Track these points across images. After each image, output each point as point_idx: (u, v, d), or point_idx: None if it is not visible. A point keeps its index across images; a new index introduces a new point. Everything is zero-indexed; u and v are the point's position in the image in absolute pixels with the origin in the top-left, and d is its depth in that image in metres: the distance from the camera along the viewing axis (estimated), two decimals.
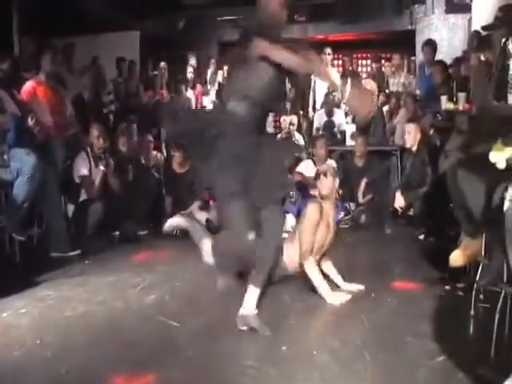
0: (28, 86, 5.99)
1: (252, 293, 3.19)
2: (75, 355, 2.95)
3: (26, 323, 3.43)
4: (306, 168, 6.47)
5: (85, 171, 5.70)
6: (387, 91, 9.18)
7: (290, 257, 3.93)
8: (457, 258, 3.97)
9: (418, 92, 8.23)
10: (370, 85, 9.34)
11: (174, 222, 3.70)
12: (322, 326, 3.50)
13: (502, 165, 2.84)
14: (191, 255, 5.27)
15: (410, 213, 5.85)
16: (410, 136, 5.93)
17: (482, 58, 4.72)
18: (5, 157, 4.89)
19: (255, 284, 3.18)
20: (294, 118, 8.36)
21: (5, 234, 4.83)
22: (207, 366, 2.86)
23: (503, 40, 3.30)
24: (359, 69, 12.12)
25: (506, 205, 2.51)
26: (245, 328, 3.16)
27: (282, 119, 8.50)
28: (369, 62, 12.19)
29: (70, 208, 5.73)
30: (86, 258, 5.12)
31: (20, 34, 7.53)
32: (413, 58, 9.79)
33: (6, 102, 5.10)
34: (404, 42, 10.00)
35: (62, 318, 3.52)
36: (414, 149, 5.90)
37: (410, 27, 9.98)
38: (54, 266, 4.93)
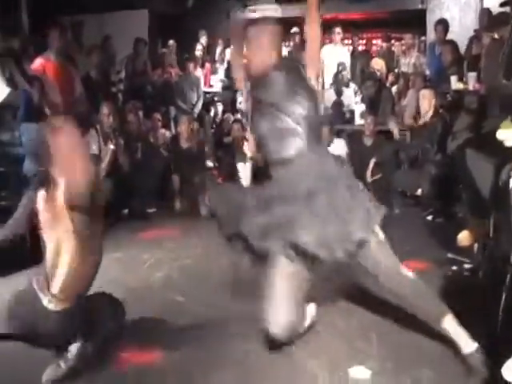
0: (37, 63, 6.00)
1: None
2: None
3: None
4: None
5: (94, 149, 5.71)
6: (396, 71, 9.12)
7: None
8: (465, 238, 3.98)
9: (427, 72, 8.16)
10: (379, 64, 9.31)
11: None
12: (328, 304, 3.52)
13: (510, 142, 2.82)
14: (199, 233, 5.38)
15: (418, 193, 5.83)
16: (426, 101, 5.87)
17: (496, 36, 4.66)
18: (15, 133, 4.92)
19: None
20: None
21: (13, 211, 4.85)
22: (213, 344, 2.91)
23: None
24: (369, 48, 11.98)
25: None
26: None
27: None
28: (379, 41, 12.10)
29: None
30: None
31: (29, 11, 7.51)
32: (423, 37, 9.67)
33: (17, 79, 5.10)
34: (415, 22, 9.88)
35: None
36: (429, 116, 5.83)
37: (420, 6, 9.84)
38: None
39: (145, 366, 2.73)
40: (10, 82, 5.01)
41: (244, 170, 6.11)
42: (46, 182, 2.65)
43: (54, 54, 6.12)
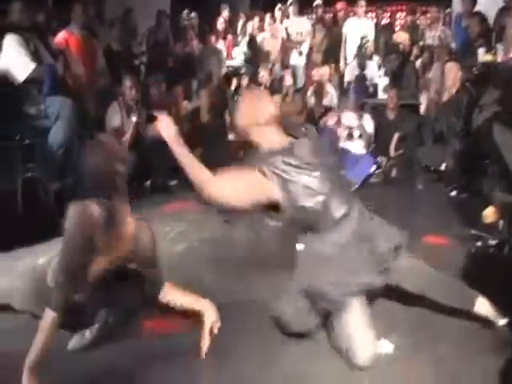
0: (60, 36, 6.01)
1: None
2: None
3: None
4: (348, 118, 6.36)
5: (117, 122, 5.72)
6: (421, 44, 8.98)
7: None
8: (490, 214, 3.94)
9: (453, 45, 8.01)
10: (402, 37, 9.17)
11: None
12: None
13: None
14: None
15: (442, 168, 5.76)
16: (451, 75, 5.76)
17: None
18: (41, 106, 4.95)
19: None
20: (326, 70, 8.23)
21: (40, 184, 4.91)
22: (237, 315, 2.92)
23: None
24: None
25: None
26: None
27: (313, 71, 8.36)
28: (403, 14, 11.89)
29: None
30: None
31: None
32: (448, 10, 9.47)
33: (42, 53, 5.11)
34: None
35: None
36: (454, 90, 5.73)
37: None
38: None
39: (168, 334, 2.76)
40: (35, 56, 5.02)
41: None
42: None
43: (77, 27, 6.12)
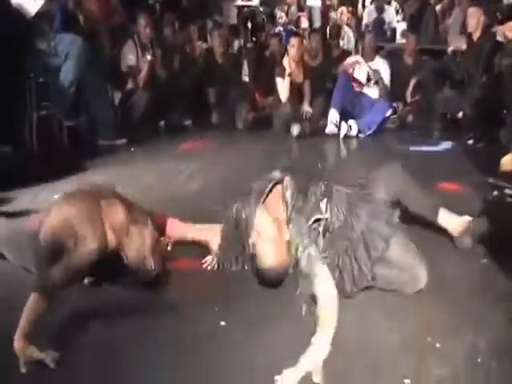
0: None
1: None
2: None
3: None
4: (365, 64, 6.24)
5: (132, 60, 5.65)
6: None
7: None
8: (508, 162, 3.91)
9: None
10: None
11: None
12: None
13: None
14: (235, 144, 5.38)
15: (459, 116, 5.67)
16: (474, 19, 5.60)
17: None
18: (52, 43, 4.89)
19: None
20: (345, 10, 8.06)
21: (53, 120, 4.91)
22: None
23: None
24: None
25: None
26: None
27: (331, 13, 8.19)
28: None
29: (117, 97, 5.75)
30: (132, 146, 5.22)
31: None
32: None
33: None
34: None
35: None
36: (476, 36, 5.58)
37: None
38: (100, 152, 5.06)
39: (186, 272, 2.77)
40: None
41: (282, 85, 5.99)
42: None
43: None
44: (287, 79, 5.93)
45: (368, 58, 6.19)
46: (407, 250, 2.47)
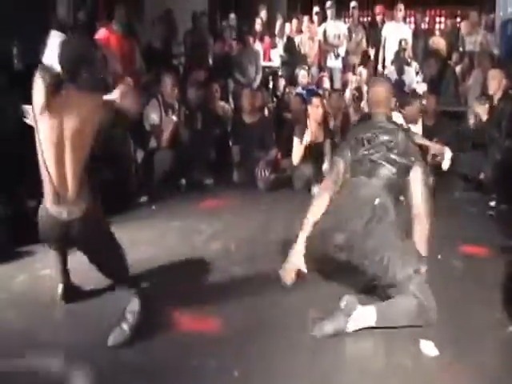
0: (101, 33, 6.10)
1: None
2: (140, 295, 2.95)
3: None
4: None
5: (156, 119, 5.75)
6: (461, 50, 8.83)
7: None
8: None
9: (495, 51, 7.87)
10: (439, 42, 9.03)
11: None
12: None
13: None
14: (256, 205, 5.38)
15: (481, 177, 5.64)
16: (495, 82, 5.63)
17: None
18: None
19: None
20: (365, 72, 8.20)
21: None
22: (270, 314, 2.92)
23: None
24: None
25: None
26: None
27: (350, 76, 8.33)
28: (443, 19, 11.76)
29: (140, 155, 5.82)
30: (153, 204, 5.24)
31: None
32: (491, 15, 9.26)
33: None
34: None
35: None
36: (497, 98, 5.60)
37: None
38: (121, 209, 5.07)
39: (201, 332, 2.76)
40: None
41: (297, 147, 5.98)
42: None
43: (119, 26, 6.21)
44: (305, 140, 5.92)
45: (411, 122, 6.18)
46: None
